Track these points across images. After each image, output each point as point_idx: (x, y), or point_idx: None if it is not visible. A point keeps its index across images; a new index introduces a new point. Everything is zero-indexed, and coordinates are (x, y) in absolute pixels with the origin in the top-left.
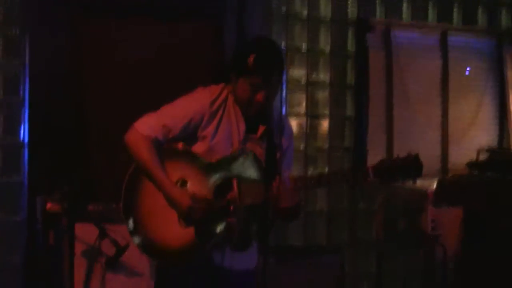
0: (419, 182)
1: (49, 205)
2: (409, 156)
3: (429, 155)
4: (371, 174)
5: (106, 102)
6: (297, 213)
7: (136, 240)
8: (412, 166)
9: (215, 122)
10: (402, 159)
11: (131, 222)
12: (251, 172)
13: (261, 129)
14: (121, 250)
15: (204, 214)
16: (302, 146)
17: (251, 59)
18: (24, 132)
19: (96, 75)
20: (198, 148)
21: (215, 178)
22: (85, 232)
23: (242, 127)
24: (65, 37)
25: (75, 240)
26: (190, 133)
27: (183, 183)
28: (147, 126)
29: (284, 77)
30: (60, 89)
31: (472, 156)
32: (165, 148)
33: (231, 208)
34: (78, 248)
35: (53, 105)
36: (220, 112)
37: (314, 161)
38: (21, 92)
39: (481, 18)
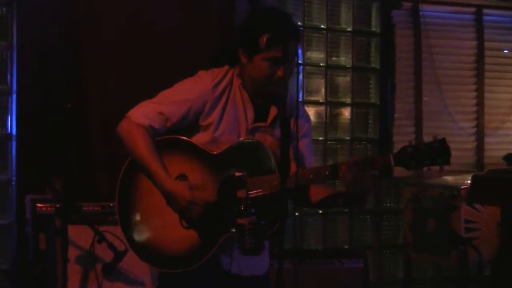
0: (452, 178)
1: (40, 205)
2: (434, 141)
3: (463, 147)
4: (392, 162)
5: (106, 87)
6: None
7: (133, 243)
8: (438, 151)
9: (219, 109)
10: (426, 144)
11: (126, 223)
12: (261, 164)
13: (271, 115)
14: (119, 255)
15: (206, 210)
16: (321, 138)
17: (263, 39)
18: (12, 124)
19: (95, 55)
20: (200, 138)
21: (219, 172)
22: (80, 235)
23: (251, 114)
24: (58, 14)
25: (68, 244)
26: (191, 122)
27: (183, 178)
28: (141, 114)
29: (300, 60)
30: (52, 75)
31: (511, 148)
32: (162, 139)
33: (242, 207)
34: (72, 253)
35: (45, 92)
36: (225, 98)
37: (334, 154)
38: (9, 79)
39: None
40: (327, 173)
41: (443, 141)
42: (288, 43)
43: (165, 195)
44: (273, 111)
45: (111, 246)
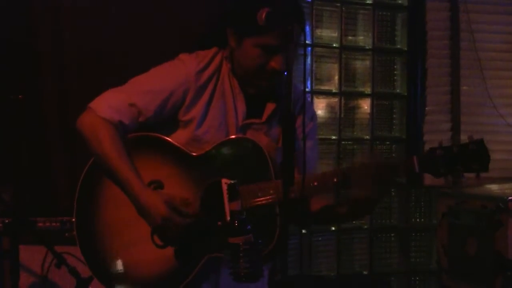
0: (497, 187)
1: None
2: (470, 142)
3: (511, 148)
4: (416, 166)
5: (66, 76)
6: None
7: (93, 266)
8: (474, 155)
9: (203, 101)
10: (460, 146)
11: (86, 241)
12: (253, 169)
13: (268, 110)
14: (83, 282)
15: (185, 229)
16: (334, 137)
17: (263, 14)
18: None
19: (56, 47)
20: (180, 137)
21: (202, 178)
22: (34, 258)
23: (242, 107)
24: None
25: (20, 269)
26: (169, 116)
27: (158, 186)
28: (107, 106)
29: (309, 40)
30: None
31: None
32: (131, 136)
33: (236, 223)
34: (24, 280)
35: None
36: (211, 87)
37: (350, 157)
38: None
39: None
40: (335, 180)
41: (480, 143)
42: (288, 27)
43: (138, 207)
44: (270, 106)
45: (72, 272)
